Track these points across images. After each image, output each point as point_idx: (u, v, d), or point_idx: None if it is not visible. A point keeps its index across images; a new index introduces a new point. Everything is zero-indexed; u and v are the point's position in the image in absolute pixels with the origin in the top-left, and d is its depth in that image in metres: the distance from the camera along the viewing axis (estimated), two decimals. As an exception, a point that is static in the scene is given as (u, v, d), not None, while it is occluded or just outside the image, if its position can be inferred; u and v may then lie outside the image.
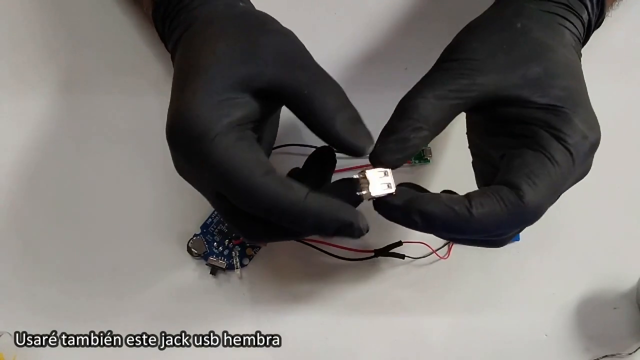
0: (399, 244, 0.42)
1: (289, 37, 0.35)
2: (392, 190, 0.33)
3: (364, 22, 0.47)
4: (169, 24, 0.38)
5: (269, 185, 0.31)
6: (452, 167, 0.44)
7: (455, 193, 0.35)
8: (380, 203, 0.33)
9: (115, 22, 0.47)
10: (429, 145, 0.44)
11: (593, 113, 0.35)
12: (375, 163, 0.33)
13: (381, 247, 0.42)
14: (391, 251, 0.42)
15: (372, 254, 0.42)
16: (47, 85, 0.46)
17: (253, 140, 0.33)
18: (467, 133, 0.38)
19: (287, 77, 0.33)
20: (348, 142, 0.33)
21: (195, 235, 0.43)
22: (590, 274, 0.43)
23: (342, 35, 0.47)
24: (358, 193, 0.33)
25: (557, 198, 0.33)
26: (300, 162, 0.38)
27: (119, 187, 0.44)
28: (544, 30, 0.36)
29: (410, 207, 0.32)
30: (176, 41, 0.38)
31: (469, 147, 0.38)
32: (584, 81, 0.36)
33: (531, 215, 0.32)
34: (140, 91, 0.45)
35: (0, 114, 0.45)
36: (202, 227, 0.43)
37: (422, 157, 0.44)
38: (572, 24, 0.37)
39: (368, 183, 0.33)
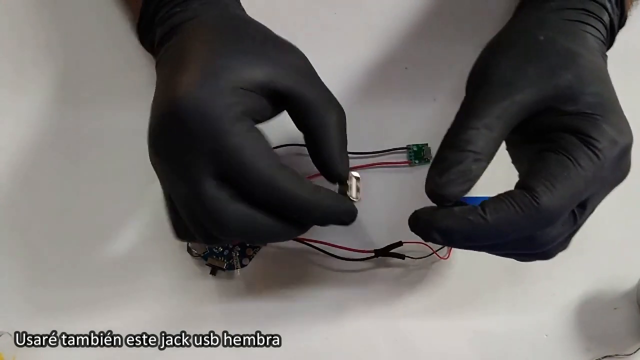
0: (399, 244, 0.42)
1: (302, 54, 0.37)
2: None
3: (364, 22, 0.47)
4: (165, 12, 0.37)
5: (284, 175, 0.33)
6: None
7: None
8: (409, 223, 0.34)
9: (113, 24, 0.47)
10: (429, 145, 0.44)
11: (623, 117, 0.34)
12: (437, 197, 0.33)
13: (381, 247, 0.42)
14: (391, 251, 0.42)
15: (372, 254, 0.42)
16: (46, 85, 0.46)
17: (260, 131, 0.34)
18: (507, 149, 0.38)
19: (303, 89, 0.35)
20: (335, 167, 0.35)
21: (195, 235, 0.43)
22: (590, 274, 0.43)
23: (342, 35, 0.47)
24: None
25: (579, 201, 0.33)
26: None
27: (119, 187, 0.44)
28: (568, 38, 0.35)
29: (428, 226, 0.33)
30: (173, 28, 0.37)
31: (512, 162, 0.38)
32: (612, 85, 0.36)
33: (547, 217, 0.32)
34: (142, 90, 0.45)
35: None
36: (202, 227, 0.43)
37: (422, 157, 0.44)
38: (594, 27, 0.36)
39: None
